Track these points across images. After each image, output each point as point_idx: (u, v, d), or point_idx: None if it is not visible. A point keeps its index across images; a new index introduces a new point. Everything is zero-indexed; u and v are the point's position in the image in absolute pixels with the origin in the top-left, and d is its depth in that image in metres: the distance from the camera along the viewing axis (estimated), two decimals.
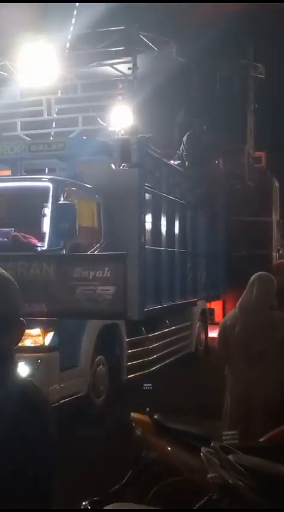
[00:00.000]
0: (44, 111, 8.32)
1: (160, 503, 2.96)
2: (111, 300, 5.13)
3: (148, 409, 3.43)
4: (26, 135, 8.29)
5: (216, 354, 4.41)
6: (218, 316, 12.94)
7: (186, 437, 3.19)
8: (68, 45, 8.02)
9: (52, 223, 5.53)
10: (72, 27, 8.01)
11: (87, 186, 7.20)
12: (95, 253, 5.56)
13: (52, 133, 8.52)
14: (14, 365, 1.46)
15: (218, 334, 4.33)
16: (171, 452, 3.19)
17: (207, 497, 2.60)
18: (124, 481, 3.34)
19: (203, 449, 2.65)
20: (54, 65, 8.13)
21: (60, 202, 5.73)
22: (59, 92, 8.46)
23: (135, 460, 3.43)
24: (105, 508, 2.65)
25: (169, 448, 3.20)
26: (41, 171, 7.75)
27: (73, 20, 8.11)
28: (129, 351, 7.49)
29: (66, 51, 8.08)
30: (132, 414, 3.50)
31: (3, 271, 1.52)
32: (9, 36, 8.45)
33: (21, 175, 7.37)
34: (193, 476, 2.95)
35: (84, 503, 3.07)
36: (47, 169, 7.91)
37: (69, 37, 7.95)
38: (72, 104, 8.32)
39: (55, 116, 8.24)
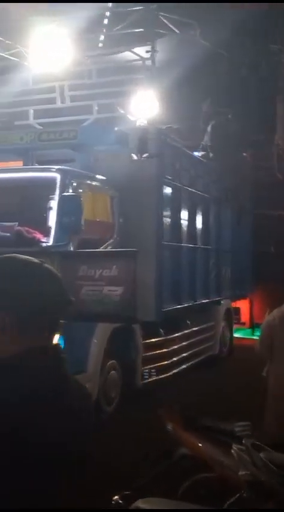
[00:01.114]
0: (57, 99, 7.95)
1: (191, 499, 2.95)
2: (119, 302, 4.72)
3: (178, 405, 3.48)
4: (38, 124, 7.92)
5: (257, 352, 4.19)
6: (244, 315, 12.45)
7: (217, 434, 3.17)
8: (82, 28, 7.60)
9: (57, 216, 5.12)
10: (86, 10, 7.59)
11: (100, 178, 6.80)
12: (102, 249, 5.13)
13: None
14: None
15: (263, 332, 4.11)
16: (201, 449, 3.17)
17: (238, 495, 2.62)
18: (153, 475, 3.37)
19: (234, 446, 2.70)
20: (67, 49, 7.73)
21: (64, 194, 5.33)
22: (73, 78, 8.05)
23: (165, 455, 3.46)
24: (136, 503, 2.65)
25: (199, 444, 3.19)
26: (55, 162, 7.38)
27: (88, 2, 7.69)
28: (145, 354, 7.07)
29: (79, 34, 7.66)
30: (163, 409, 3.54)
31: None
32: (22, 21, 8.10)
33: (32, 166, 7.02)
34: (223, 473, 2.95)
35: (114, 497, 3.01)
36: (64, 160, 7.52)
37: (80, 19, 7.53)
38: (87, 90, 7.91)
39: (68, 103, 7.83)
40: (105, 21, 7.79)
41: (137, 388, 6.88)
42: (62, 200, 5.09)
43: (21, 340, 1.40)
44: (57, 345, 1.50)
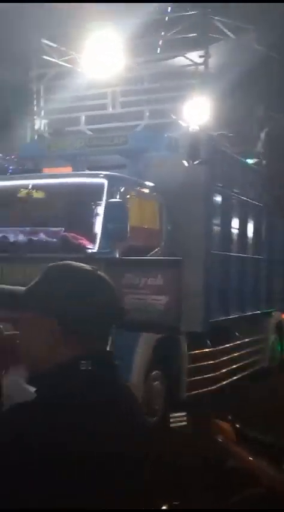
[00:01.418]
0: (109, 105, 7.93)
1: None
2: (163, 311, 4.60)
3: (230, 416, 3.31)
4: (89, 130, 7.93)
5: None
6: None
7: (269, 448, 3.07)
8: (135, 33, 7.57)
9: (103, 223, 5.07)
10: (139, 15, 7.56)
11: (148, 184, 6.72)
12: (147, 257, 5.04)
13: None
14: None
15: None
16: (252, 462, 3.06)
17: None
18: (202, 487, 3.34)
19: None
20: (120, 55, 7.71)
21: (110, 200, 5.27)
22: (125, 84, 8.02)
23: (215, 466, 3.41)
24: None
25: (251, 458, 3.08)
26: (106, 168, 7.37)
27: (141, 7, 7.65)
28: (191, 365, 6.91)
29: (132, 39, 7.63)
30: (214, 421, 3.42)
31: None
32: (75, 27, 8.15)
33: (82, 172, 7.02)
34: (274, 488, 2.86)
35: (163, 507, 2.85)
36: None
37: (135, 24, 7.49)
38: (138, 96, 7.86)
39: (120, 109, 7.81)
40: (159, 26, 7.72)
41: (182, 400, 6.73)
42: (108, 206, 5.03)
43: (75, 347, 1.41)
44: (110, 352, 1.50)
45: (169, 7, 8.03)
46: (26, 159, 8.96)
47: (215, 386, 7.42)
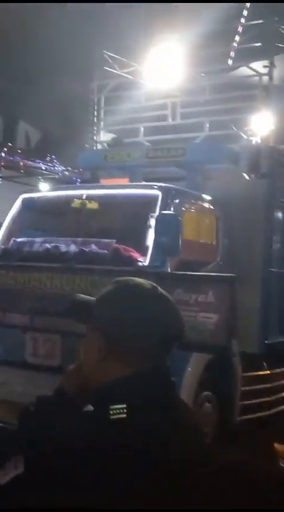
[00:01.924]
0: (168, 116, 7.82)
1: None
2: (214, 330, 4.39)
3: None
4: (148, 141, 7.85)
5: None
6: None
7: None
8: (197, 43, 7.45)
9: (154, 236, 4.92)
10: (202, 24, 7.44)
11: (205, 197, 6.53)
12: (198, 273, 4.84)
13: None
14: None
15: None
16: None
17: None
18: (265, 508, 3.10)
19: None
20: (182, 66, 7.60)
21: (162, 212, 5.12)
22: (186, 94, 7.90)
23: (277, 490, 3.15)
24: None
25: None
26: (164, 180, 7.25)
27: (204, 16, 7.53)
28: (245, 388, 6.62)
29: (196, 50, 7.51)
30: (276, 445, 3.44)
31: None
32: (138, 38, 8.13)
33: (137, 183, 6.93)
34: None
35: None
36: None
37: (199, 35, 7.37)
38: (199, 107, 7.71)
39: (179, 120, 7.68)
40: (222, 36, 7.57)
41: (234, 425, 6.45)
42: (159, 218, 4.88)
43: (133, 364, 1.42)
44: (168, 368, 1.50)
45: (242, 18, 7.86)
46: (84, 170, 9.02)
47: (270, 412, 7.08)
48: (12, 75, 13.63)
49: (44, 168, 13.37)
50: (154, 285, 1.52)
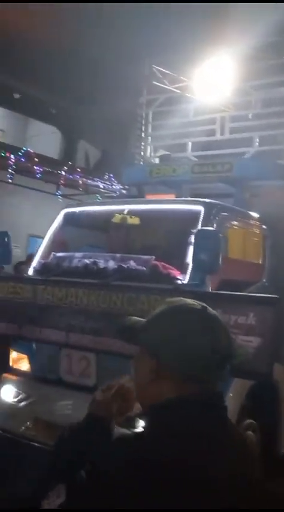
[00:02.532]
0: (217, 131, 7.64)
1: None
2: (254, 355, 4.13)
3: None
4: (195, 157, 7.69)
5: None
6: None
7: None
8: (249, 55, 7.27)
9: (194, 252, 4.72)
10: (255, 35, 7.25)
11: (252, 215, 6.29)
12: (239, 293, 4.60)
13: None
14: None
15: None
16: None
17: None
18: None
19: None
20: (232, 79, 7.43)
21: (202, 228, 4.92)
22: (235, 109, 7.71)
23: None
24: None
25: None
26: (210, 197, 7.06)
27: (257, 27, 7.35)
28: None
29: (247, 63, 7.32)
30: None
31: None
32: (188, 52, 8.03)
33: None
34: None
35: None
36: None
37: (250, 47, 7.19)
38: (249, 121, 7.49)
39: (228, 135, 7.49)
40: (274, 48, 7.36)
41: (279, 456, 6.09)
42: (199, 234, 4.68)
43: (184, 386, 1.42)
44: (219, 392, 1.49)
45: None
46: (129, 186, 8.95)
47: None
48: (71, 95, 13.93)
49: (102, 186, 13.50)
50: (204, 305, 1.51)
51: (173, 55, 8.31)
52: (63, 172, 13.06)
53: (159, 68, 8.46)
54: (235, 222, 5.98)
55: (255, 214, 6.34)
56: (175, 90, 8.42)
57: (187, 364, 1.43)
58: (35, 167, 12.57)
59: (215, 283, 5.10)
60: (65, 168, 13.18)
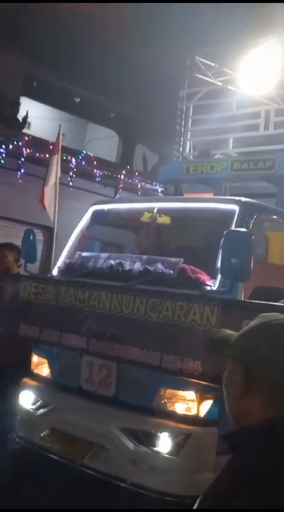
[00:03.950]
0: (261, 125, 7.19)
1: None
2: None
3: None
4: (237, 153, 7.26)
5: None
6: None
7: None
8: None
9: (222, 256, 4.33)
10: None
11: None
12: (274, 303, 4.17)
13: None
14: None
15: None
16: None
17: None
18: None
19: None
20: (278, 70, 6.97)
21: (232, 229, 4.51)
22: (280, 101, 7.24)
23: None
24: None
25: None
26: (252, 196, 6.64)
27: None
28: None
29: None
30: None
31: None
32: (232, 43, 7.62)
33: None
34: None
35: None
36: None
37: None
38: None
39: (273, 130, 7.03)
40: None
41: None
42: (229, 236, 4.28)
43: (275, 406, 1.40)
44: None
45: None
46: (165, 183, 8.60)
47: None
48: (129, 99, 13.98)
49: (160, 190, 13.45)
50: None
51: (217, 46, 7.91)
52: (122, 176, 13.13)
53: (201, 59, 8.08)
54: (276, 224, 5.54)
55: None
56: (217, 82, 8.02)
57: (279, 383, 1.41)
58: (94, 170, 12.66)
59: (249, 290, 4.69)
60: (124, 172, 13.26)
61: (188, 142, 7.80)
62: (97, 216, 6.12)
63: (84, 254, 5.71)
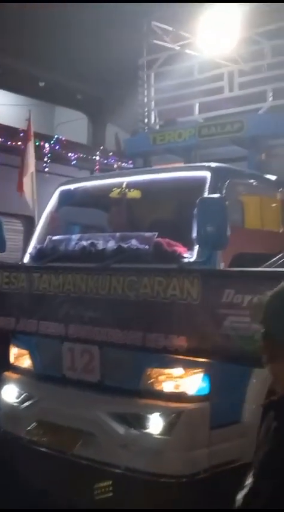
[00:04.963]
0: (225, 87, 7.01)
1: None
2: None
3: None
4: (203, 119, 7.07)
5: None
6: None
7: None
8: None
9: (197, 225, 4.18)
10: None
11: (269, 178, 5.71)
12: (255, 269, 4.05)
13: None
14: None
15: None
16: None
17: None
18: None
19: None
20: (237, 28, 6.76)
21: (204, 196, 4.37)
22: (243, 61, 7.05)
23: None
24: None
25: None
26: (221, 162, 6.48)
27: None
28: None
29: (254, 8, 6.65)
30: None
31: None
32: (189, 5, 7.37)
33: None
34: None
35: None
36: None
37: None
38: (259, 74, 6.85)
39: (237, 91, 6.86)
40: None
41: None
42: (201, 204, 4.13)
43: None
44: None
45: None
46: (132, 157, 8.38)
47: None
48: (92, 77, 13.74)
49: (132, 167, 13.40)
50: None
51: (172, 8, 7.66)
52: (97, 157, 12.96)
53: (158, 23, 7.83)
54: (250, 188, 5.41)
55: (272, 178, 5.76)
56: (175, 47, 7.79)
57: None
58: (69, 154, 12.38)
59: (229, 258, 4.57)
60: (98, 153, 13.09)
61: (153, 112, 7.57)
62: (65, 197, 5.92)
63: (55, 238, 5.52)
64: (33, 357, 5.49)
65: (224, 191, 4.71)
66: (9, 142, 11.81)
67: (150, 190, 5.38)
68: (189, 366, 4.38)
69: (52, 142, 12.52)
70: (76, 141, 13.71)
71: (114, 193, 5.37)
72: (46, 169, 12.05)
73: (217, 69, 7.11)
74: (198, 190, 4.71)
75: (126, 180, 5.39)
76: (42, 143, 12.17)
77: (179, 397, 4.42)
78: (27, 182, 8.63)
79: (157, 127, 7.54)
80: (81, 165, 12.95)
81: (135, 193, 5.30)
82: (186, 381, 4.43)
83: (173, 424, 4.31)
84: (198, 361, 4.33)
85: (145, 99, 7.78)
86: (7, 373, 5.66)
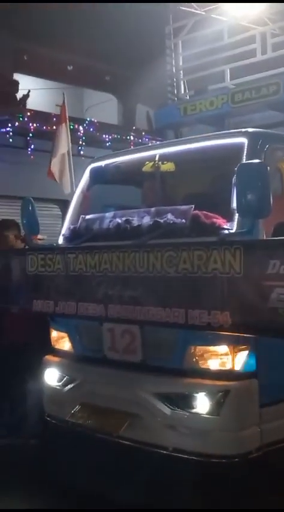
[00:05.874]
0: (258, 50, 6.69)
1: None
2: None
3: None
4: (236, 85, 6.78)
5: None
6: None
7: None
8: None
9: (237, 194, 3.95)
10: None
11: None
12: None
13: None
14: None
15: None
16: None
17: None
18: None
19: None
20: None
21: (243, 162, 4.13)
22: (276, 21, 6.72)
23: None
24: None
25: None
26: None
27: None
28: None
29: None
30: None
31: None
32: None
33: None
34: None
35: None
36: None
37: None
38: None
39: (271, 53, 6.55)
40: None
41: None
42: (241, 171, 3.89)
43: None
44: None
45: None
46: (163, 129, 8.15)
47: None
48: (120, 58, 13.58)
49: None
50: None
51: None
52: (132, 137, 12.83)
53: None
54: None
55: None
56: (202, 12, 7.48)
57: None
58: (103, 136, 12.50)
59: (271, 228, 4.34)
60: (132, 133, 12.95)
61: (182, 82, 7.31)
62: (97, 174, 5.75)
63: (88, 217, 5.37)
64: (72, 339, 5.40)
65: (263, 157, 4.47)
66: (44, 128, 11.76)
67: (184, 162, 5.16)
68: (234, 342, 4.21)
69: (85, 125, 12.42)
70: (109, 123, 13.60)
71: (147, 167, 5.18)
72: (81, 153, 11.97)
73: (248, 32, 6.79)
74: (235, 158, 4.47)
75: (158, 152, 5.19)
76: (76, 126, 12.05)
77: (225, 375, 4.25)
78: (56, 165, 8.47)
79: (187, 97, 7.28)
80: (116, 147, 12.81)
81: (168, 166, 5.10)
82: (232, 358, 4.25)
83: (221, 403, 4.15)
84: (243, 337, 4.15)
85: (174, 69, 7.52)
86: (48, 357, 5.60)
